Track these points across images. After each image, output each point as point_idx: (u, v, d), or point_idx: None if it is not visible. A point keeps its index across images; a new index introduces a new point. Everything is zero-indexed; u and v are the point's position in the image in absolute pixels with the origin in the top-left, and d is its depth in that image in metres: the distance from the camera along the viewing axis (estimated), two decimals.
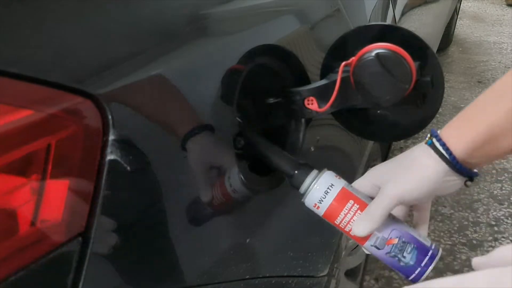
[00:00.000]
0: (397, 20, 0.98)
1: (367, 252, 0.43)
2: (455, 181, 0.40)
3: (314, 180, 0.44)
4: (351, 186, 0.44)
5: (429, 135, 0.40)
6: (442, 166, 0.38)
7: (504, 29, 3.05)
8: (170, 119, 0.39)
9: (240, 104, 0.47)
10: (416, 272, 0.40)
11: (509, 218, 1.41)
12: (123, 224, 0.35)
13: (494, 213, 1.43)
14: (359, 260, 0.97)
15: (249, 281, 0.49)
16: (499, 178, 1.60)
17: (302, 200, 0.45)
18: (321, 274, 0.63)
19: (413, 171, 0.40)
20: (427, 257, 0.40)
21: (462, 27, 3.03)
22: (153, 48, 0.38)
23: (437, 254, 0.41)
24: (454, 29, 2.75)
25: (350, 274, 0.95)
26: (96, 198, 0.32)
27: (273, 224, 0.53)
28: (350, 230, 0.42)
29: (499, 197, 1.50)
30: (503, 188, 1.55)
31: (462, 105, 2.06)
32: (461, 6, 2.85)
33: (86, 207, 0.32)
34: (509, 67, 2.46)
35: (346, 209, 0.42)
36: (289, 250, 0.56)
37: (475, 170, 0.40)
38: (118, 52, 0.36)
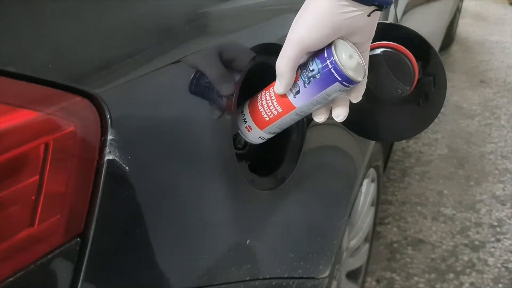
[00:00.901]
0: (399, 19, 0.98)
1: (318, 119, 0.41)
2: (358, 12, 0.36)
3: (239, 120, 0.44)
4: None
5: None
6: None
7: (506, 28, 3.03)
8: (169, 118, 0.39)
9: (241, 103, 0.47)
10: (332, 67, 0.37)
11: None
12: (122, 225, 0.35)
13: (497, 214, 1.42)
14: (361, 261, 0.97)
15: (250, 282, 0.49)
16: (501, 179, 1.59)
17: (244, 138, 0.45)
18: (322, 276, 0.62)
19: (308, 9, 0.37)
20: (325, 47, 0.37)
21: (465, 26, 3.02)
22: (151, 47, 0.38)
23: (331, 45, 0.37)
24: (456, 28, 2.74)
25: (352, 275, 0.95)
26: (94, 198, 0.32)
27: (273, 225, 0.53)
28: (277, 110, 0.41)
29: (502, 198, 1.49)
30: (506, 188, 1.54)
31: (464, 105, 2.05)
32: (463, 4, 2.84)
33: (84, 207, 0.32)
34: (511, 66, 2.45)
35: (259, 102, 0.42)
36: (290, 252, 0.56)
37: None
38: (117, 51, 0.36)
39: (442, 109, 0.51)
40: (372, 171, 0.90)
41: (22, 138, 0.29)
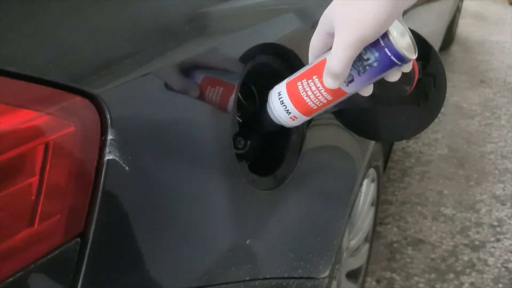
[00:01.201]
0: None
1: (366, 93, 0.40)
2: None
3: (270, 105, 0.43)
4: (295, 73, 0.42)
5: None
6: None
7: (506, 28, 3.03)
8: (169, 118, 0.39)
9: (240, 103, 0.47)
10: (389, 52, 0.37)
11: None
12: (122, 225, 0.35)
13: (497, 214, 1.42)
14: (361, 261, 0.97)
15: (250, 282, 0.49)
16: (501, 179, 1.59)
17: (289, 126, 0.44)
18: (322, 276, 0.62)
19: (365, 11, 0.35)
20: (380, 39, 0.37)
21: (465, 26, 3.02)
22: (151, 46, 0.38)
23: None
24: (456, 28, 2.74)
25: (352, 275, 0.95)
26: (94, 198, 0.32)
27: (273, 225, 0.53)
28: (327, 99, 0.40)
29: (502, 198, 1.49)
30: (506, 188, 1.54)
31: (464, 105, 2.05)
32: (463, 4, 2.83)
33: (84, 207, 0.32)
34: (511, 66, 2.45)
35: (302, 91, 0.40)
36: (290, 252, 0.56)
37: None
38: (117, 51, 0.36)
39: (442, 109, 0.51)
40: (372, 171, 0.90)
41: (22, 138, 0.29)
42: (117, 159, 0.33)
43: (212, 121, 0.43)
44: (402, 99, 0.46)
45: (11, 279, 0.29)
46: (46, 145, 0.30)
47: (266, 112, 0.44)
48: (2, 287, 0.28)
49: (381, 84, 0.45)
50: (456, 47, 2.74)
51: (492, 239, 1.32)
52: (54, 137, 0.30)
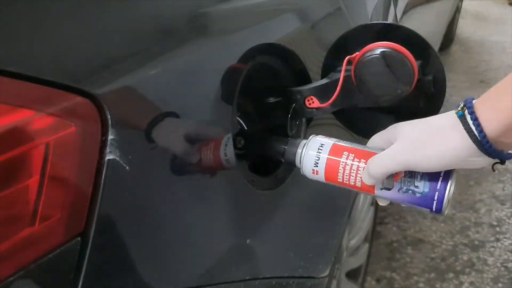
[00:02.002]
0: (398, 19, 0.98)
1: (382, 203, 0.41)
2: (480, 161, 0.35)
3: (304, 146, 0.43)
4: (344, 141, 0.42)
5: (462, 105, 0.35)
6: (468, 144, 0.33)
7: (506, 28, 3.03)
8: (169, 118, 0.39)
9: (240, 103, 0.47)
10: (436, 198, 0.37)
11: (511, 219, 1.40)
12: (122, 224, 0.35)
13: (496, 214, 1.42)
14: (360, 261, 0.97)
15: (250, 282, 0.49)
16: (501, 179, 1.59)
17: (302, 173, 0.44)
18: (322, 275, 0.62)
19: (432, 142, 0.35)
20: (441, 177, 0.37)
21: (465, 26, 3.02)
22: (152, 47, 0.38)
23: (451, 171, 0.37)
24: (456, 28, 2.74)
25: (351, 275, 0.95)
26: (95, 198, 0.32)
27: (273, 225, 0.53)
28: (355, 184, 0.39)
29: (501, 198, 1.50)
30: (505, 188, 1.54)
31: None
32: (463, 5, 2.83)
33: (85, 207, 0.32)
34: (511, 66, 2.45)
35: (343, 162, 0.40)
36: (290, 251, 0.56)
37: (509, 152, 0.34)
38: (117, 51, 0.36)
39: (442, 109, 0.51)
40: None
41: (23, 138, 0.29)
42: (118, 159, 0.33)
43: (212, 121, 0.43)
44: (402, 99, 0.46)
45: (11, 278, 0.29)
46: (47, 145, 0.30)
47: (288, 146, 0.44)
48: (2, 287, 0.28)
49: (380, 84, 0.45)
50: (456, 47, 2.74)
51: (492, 238, 1.32)
52: (55, 137, 0.30)
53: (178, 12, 0.43)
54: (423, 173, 0.38)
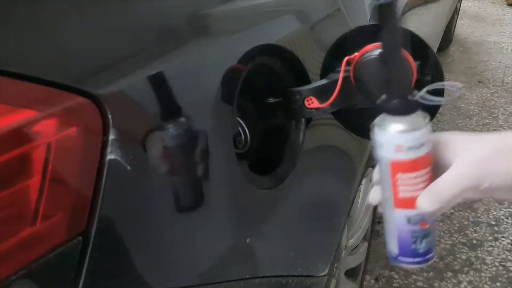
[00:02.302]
0: None
1: (389, 222, 0.36)
2: None
3: (424, 121, 0.37)
4: None
5: None
6: None
7: (504, 29, 3.04)
8: (170, 118, 0.39)
9: (240, 103, 0.47)
10: (414, 260, 0.36)
11: (509, 218, 1.41)
12: (123, 224, 0.35)
13: (494, 213, 1.43)
14: (359, 259, 0.97)
15: (249, 280, 0.49)
16: None
17: (389, 132, 0.38)
18: (321, 274, 0.63)
19: (508, 163, 0.32)
20: (431, 254, 0.36)
21: (463, 27, 3.02)
22: (153, 48, 0.38)
23: (432, 259, 0.37)
24: (454, 29, 2.75)
25: (350, 273, 0.95)
26: (96, 198, 0.32)
27: (273, 224, 0.53)
28: (398, 193, 0.35)
29: None
30: None
31: (462, 105, 2.06)
32: (461, 5, 2.84)
33: (86, 206, 0.32)
34: (509, 67, 2.46)
35: (419, 174, 0.35)
36: (289, 250, 0.56)
37: None
38: (118, 52, 0.36)
39: (440, 109, 0.51)
40: (371, 170, 0.91)
41: (25, 138, 0.29)
42: (119, 158, 0.33)
43: (213, 121, 0.43)
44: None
45: (13, 277, 0.29)
46: (48, 145, 0.30)
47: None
48: (4, 286, 0.28)
49: (380, 84, 0.45)
50: (454, 47, 2.74)
51: (490, 238, 1.32)
52: (56, 137, 0.30)
53: (179, 13, 0.43)
54: (432, 238, 0.35)
